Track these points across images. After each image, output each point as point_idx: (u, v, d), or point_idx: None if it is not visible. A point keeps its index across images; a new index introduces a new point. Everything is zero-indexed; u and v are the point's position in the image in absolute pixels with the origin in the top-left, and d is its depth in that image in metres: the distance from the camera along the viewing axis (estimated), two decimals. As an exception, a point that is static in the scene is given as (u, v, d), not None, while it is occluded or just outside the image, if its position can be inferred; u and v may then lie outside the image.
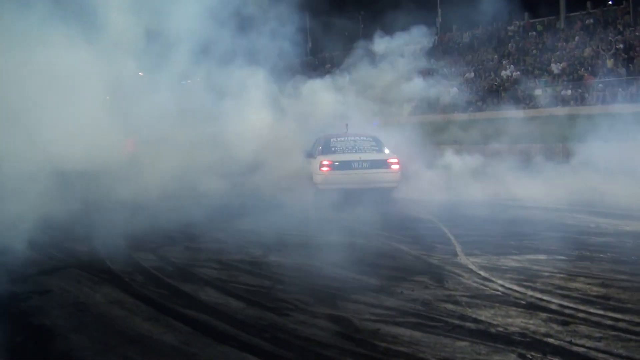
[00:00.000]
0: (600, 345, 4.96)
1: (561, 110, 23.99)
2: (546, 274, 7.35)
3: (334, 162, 13.81)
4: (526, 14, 33.14)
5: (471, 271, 7.51)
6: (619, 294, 6.38)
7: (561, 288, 6.68)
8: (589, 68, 25.79)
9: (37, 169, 12.91)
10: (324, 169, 13.71)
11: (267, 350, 5.04)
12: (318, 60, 38.55)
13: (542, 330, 5.34)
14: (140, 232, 10.51)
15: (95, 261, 8.52)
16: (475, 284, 6.91)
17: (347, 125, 15.64)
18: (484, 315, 5.77)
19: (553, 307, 5.97)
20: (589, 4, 30.67)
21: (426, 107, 29.82)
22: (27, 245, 9.27)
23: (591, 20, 29.37)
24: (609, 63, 25.28)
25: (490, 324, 5.52)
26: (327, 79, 23.56)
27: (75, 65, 14.91)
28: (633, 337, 5.14)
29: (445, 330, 5.37)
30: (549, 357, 4.76)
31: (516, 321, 5.58)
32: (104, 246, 9.40)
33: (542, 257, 8.29)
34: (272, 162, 16.67)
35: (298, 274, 7.59)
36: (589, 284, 6.82)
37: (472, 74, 30.85)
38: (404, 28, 25.16)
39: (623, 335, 5.18)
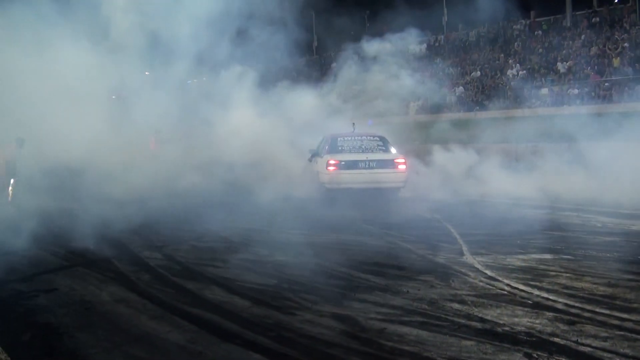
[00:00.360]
0: (607, 344, 4.95)
1: (567, 110, 23.90)
2: (552, 273, 7.34)
3: (341, 161, 13.80)
4: (532, 13, 33.05)
5: (477, 270, 7.50)
6: (625, 294, 6.36)
7: (567, 287, 6.66)
8: (595, 67, 25.70)
9: (53, 167, 13.34)
10: (331, 168, 13.69)
11: (272, 349, 5.04)
12: (323, 59, 38.56)
13: (548, 329, 5.32)
14: (146, 231, 10.57)
15: (101, 259, 8.56)
16: (481, 283, 6.90)
17: (354, 124, 15.63)
18: (490, 314, 5.76)
19: (559, 306, 5.96)
20: (595, 3, 30.58)
21: (432, 106, 29.85)
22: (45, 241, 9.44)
23: (597, 19, 29.27)
24: (616, 62, 25.19)
25: (496, 323, 5.51)
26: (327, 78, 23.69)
27: (94, 72, 15.55)
28: (639, 337, 5.12)
29: (451, 330, 5.36)
30: (555, 357, 4.75)
31: (522, 320, 5.56)
32: (109, 244, 9.45)
33: (548, 256, 8.27)
34: (277, 161, 16.76)
35: (303, 272, 7.59)
36: (595, 283, 6.80)
37: (478, 73, 30.78)
38: (409, 27, 25.18)
39: (629, 335, 5.16)
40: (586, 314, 5.70)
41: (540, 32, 31.57)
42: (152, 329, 5.56)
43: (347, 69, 24.60)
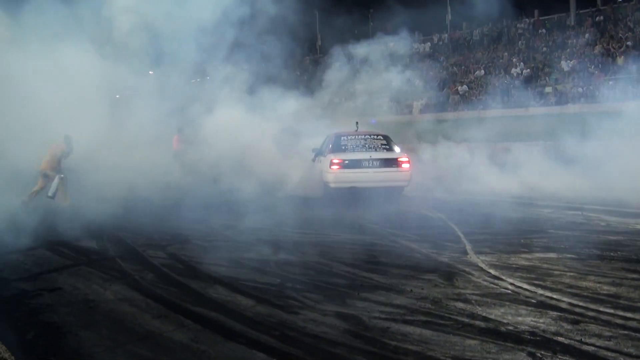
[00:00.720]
0: (611, 344, 4.94)
1: (572, 108, 23.88)
2: (556, 272, 7.32)
3: (344, 160, 13.77)
4: (536, 11, 33.02)
5: (481, 269, 7.49)
6: (629, 293, 6.35)
7: (571, 287, 6.65)
8: (599, 65, 25.66)
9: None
10: (335, 167, 13.67)
11: (276, 348, 5.04)
12: (327, 58, 38.54)
13: (552, 329, 5.32)
14: (150, 230, 10.59)
15: (106, 259, 8.58)
16: (485, 283, 6.89)
17: (357, 123, 15.61)
18: (494, 313, 5.75)
19: (563, 305, 5.95)
20: (599, 1, 30.53)
21: (436, 105, 29.85)
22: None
23: (601, 17, 29.23)
24: (620, 60, 25.14)
25: (500, 322, 5.51)
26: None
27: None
28: (644, 336, 5.12)
29: (454, 329, 5.36)
30: (559, 356, 4.74)
31: (526, 320, 5.56)
32: (113, 243, 9.47)
33: (552, 255, 8.26)
34: (284, 161, 16.82)
35: (307, 271, 7.60)
36: (599, 282, 6.79)
37: (482, 72, 30.75)
38: (413, 26, 25.22)
39: (633, 334, 5.15)
40: (590, 313, 5.69)
41: (544, 30, 31.53)
42: (156, 328, 5.56)
43: (348, 68, 24.64)
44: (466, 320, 5.59)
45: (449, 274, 7.29)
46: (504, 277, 7.07)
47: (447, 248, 8.86)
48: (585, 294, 6.36)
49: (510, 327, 5.37)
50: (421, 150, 20.05)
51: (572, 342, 5.01)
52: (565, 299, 6.16)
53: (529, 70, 28.19)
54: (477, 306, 5.98)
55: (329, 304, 6.15)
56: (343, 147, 14.29)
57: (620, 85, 23.50)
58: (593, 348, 4.88)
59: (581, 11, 30.92)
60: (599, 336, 5.11)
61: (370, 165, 13.73)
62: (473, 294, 6.41)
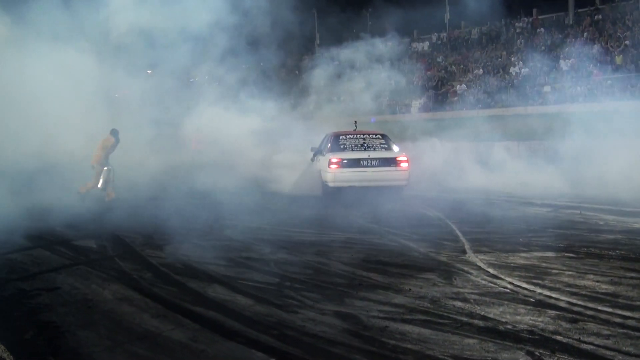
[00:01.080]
0: (609, 342, 4.94)
1: (570, 107, 23.89)
2: (555, 271, 7.33)
3: (343, 159, 13.75)
4: (534, 10, 33.03)
5: (480, 268, 7.49)
6: (628, 292, 6.35)
7: (570, 285, 6.66)
8: (598, 64, 25.65)
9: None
10: (333, 166, 13.66)
11: (274, 347, 5.04)
12: (325, 57, 38.53)
13: (551, 327, 5.32)
14: (152, 229, 10.60)
15: (105, 258, 8.58)
16: (483, 282, 6.89)
17: (355, 122, 15.61)
18: (493, 312, 5.76)
19: (562, 304, 5.95)
20: (597, 0, 30.52)
21: (435, 104, 29.87)
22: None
23: (600, 17, 29.22)
24: (618, 59, 25.14)
25: (498, 321, 5.51)
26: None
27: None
28: (642, 334, 5.13)
29: (453, 328, 5.36)
30: (558, 355, 4.74)
31: (525, 319, 5.56)
32: (113, 242, 9.47)
33: (550, 254, 8.26)
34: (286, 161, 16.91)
35: (306, 271, 7.60)
36: (597, 281, 6.79)
37: (481, 71, 30.76)
38: (412, 25, 25.26)
39: (632, 332, 5.15)
40: (589, 312, 5.70)
41: (542, 29, 31.52)
42: (155, 327, 5.56)
43: (347, 67, 24.67)
44: (465, 319, 5.59)
45: (448, 273, 7.29)
46: (502, 276, 7.07)
47: (445, 247, 8.87)
48: (583, 292, 6.36)
49: (509, 326, 5.37)
50: (419, 149, 20.05)
51: (571, 340, 5.01)
52: (563, 297, 6.16)
53: (527, 69, 28.19)
54: (475, 305, 5.99)
55: (328, 303, 6.15)
56: (342, 147, 14.29)
57: (619, 84, 23.52)
58: (591, 347, 4.88)
59: (579, 10, 30.91)
60: (598, 335, 5.11)
61: (369, 164, 13.72)
62: (472, 293, 6.41)
